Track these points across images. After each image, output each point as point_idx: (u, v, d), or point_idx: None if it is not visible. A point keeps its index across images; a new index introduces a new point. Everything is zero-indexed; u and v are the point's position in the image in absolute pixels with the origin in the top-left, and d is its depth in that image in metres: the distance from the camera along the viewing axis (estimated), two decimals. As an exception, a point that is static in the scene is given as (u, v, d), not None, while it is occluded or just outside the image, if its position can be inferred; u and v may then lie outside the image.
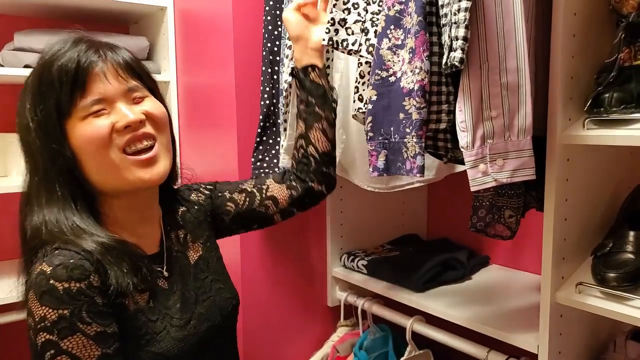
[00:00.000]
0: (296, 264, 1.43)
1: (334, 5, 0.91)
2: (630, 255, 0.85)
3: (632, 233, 0.87)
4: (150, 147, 0.77)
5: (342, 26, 0.91)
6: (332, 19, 0.91)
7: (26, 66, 1.36)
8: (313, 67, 0.96)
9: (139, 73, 0.80)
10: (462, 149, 0.76)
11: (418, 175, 0.81)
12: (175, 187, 0.94)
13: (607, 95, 0.80)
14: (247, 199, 0.96)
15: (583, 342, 1.01)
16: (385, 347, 1.37)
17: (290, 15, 0.98)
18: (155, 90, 0.83)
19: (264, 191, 0.97)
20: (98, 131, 0.73)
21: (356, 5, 0.90)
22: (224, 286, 0.91)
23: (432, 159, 1.15)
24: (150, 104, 0.79)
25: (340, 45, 0.91)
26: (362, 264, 1.38)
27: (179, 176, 0.94)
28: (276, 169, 1.26)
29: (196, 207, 0.94)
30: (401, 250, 1.47)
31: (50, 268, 0.67)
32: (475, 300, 1.20)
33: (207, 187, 0.99)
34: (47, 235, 0.71)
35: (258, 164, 1.27)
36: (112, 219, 0.79)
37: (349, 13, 0.90)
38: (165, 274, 0.82)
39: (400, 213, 1.58)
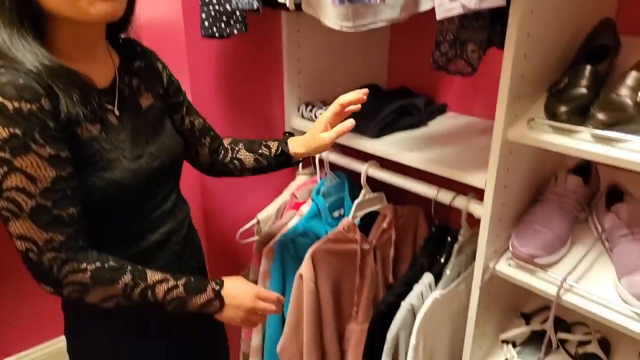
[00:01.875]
0: (254, 116, 1.40)
1: None
2: (584, 90, 0.86)
3: (588, 67, 0.87)
4: None
5: None
6: None
7: None
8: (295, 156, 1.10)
9: None
10: (427, -31, 0.70)
11: (379, 0, 0.75)
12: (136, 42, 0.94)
13: None
14: (190, 126, 1.04)
15: (528, 177, 1.06)
16: (341, 193, 1.42)
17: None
18: None
19: (200, 133, 1.07)
20: None
21: None
22: (172, 134, 0.94)
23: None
24: None
25: None
26: (320, 114, 1.36)
27: (131, 27, 0.91)
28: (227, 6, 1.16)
29: (156, 73, 0.95)
30: (360, 99, 1.45)
31: None
32: (429, 144, 1.22)
33: (177, 85, 1.02)
34: None
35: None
36: (59, 48, 0.76)
37: None
38: (116, 112, 0.83)
39: (361, 62, 1.53)
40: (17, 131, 0.66)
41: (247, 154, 1.12)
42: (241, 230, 1.40)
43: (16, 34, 0.70)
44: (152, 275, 0.83)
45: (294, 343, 1.29)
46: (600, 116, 0.80)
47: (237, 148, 1.12)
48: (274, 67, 1.38)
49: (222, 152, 1.12)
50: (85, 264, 0.76)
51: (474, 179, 1.03)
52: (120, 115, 0.83)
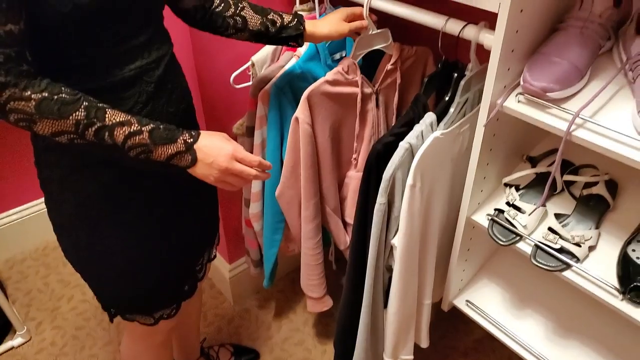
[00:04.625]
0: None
1: None
2: None
3: None
4: None
5: None
6: None
7: None
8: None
9: None
10: None
11: None
12: None
13: None
14: None
15: (550, -1, 0.93)
16: (343, 31, 1.29)
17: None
18: None
19: None
20: None
21: None
22: None
23: None
24: None
25: None
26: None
27: None
28: None
29: None
30: None
31: None
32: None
33: None
34: None
35: None
36: None
37: None
38: None
39: None
40: None
41: (254, 15, 1.04)
42: (235, 73, 1.32)
43: None
44: (113, 116, 0.76)
45: (292, 187, 1.28)
46: None
47: (241, 5, 1.03)
48: None
49: (219, 3, 1.03)
50: (29, 92, 0.70)
51: (487, 2, 0.90)
52: None
